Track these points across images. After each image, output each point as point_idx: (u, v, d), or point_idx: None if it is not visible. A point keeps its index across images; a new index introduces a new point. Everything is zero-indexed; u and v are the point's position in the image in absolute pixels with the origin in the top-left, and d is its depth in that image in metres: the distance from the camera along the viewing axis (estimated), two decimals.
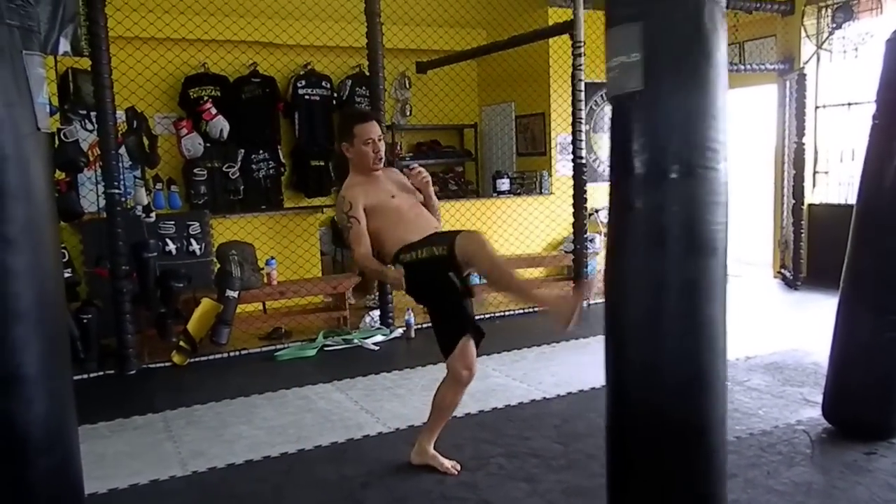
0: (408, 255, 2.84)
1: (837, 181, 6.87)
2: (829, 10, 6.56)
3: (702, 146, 1.94)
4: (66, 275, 4.67)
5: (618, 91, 1.95)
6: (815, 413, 3.59)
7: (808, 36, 6.81)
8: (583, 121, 6.23)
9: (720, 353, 2.12)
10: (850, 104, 6.63)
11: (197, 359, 5.05)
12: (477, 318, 6.12)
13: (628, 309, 2.07)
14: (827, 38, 6.65)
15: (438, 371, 4.67)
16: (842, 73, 6.70)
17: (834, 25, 6.50)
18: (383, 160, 3.06)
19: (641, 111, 1.91)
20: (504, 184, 7.79)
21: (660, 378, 2.02)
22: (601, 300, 2.17)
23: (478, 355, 4.81)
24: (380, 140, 3.02)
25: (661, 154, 1.92)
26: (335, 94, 7.60)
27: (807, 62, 6.83)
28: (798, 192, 6.90)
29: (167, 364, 4.96)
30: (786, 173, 7.17)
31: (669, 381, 2.03)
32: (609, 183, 2.10)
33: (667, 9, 1.87)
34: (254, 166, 7.22)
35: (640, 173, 1.94)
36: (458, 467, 3.13)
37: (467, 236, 2.73)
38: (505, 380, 4.45)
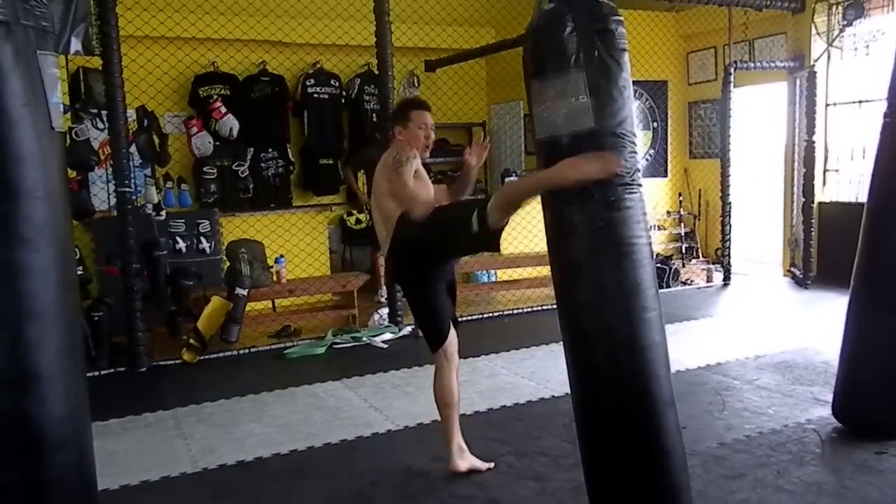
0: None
1: (848, 179, 6.82)
2: (840, 7, 6.52)
3: (634, 173, 2.28)
4: (78, 273, 4.70)
5: (571, 129, 2.22)
6: (826, 412, 3.57)
7: (818, 33, 6.78)
8: None
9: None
10: (860, 102, 6.60)
11: (207, 356, 5.08)
12: (485, 316, 6.18)
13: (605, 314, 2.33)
14: (837, 35, 6.61)
15: None
16: (852, 70, 6.66)
17: (845, 22, 6.47)
18: (430, 150, 3.17)
19: (594, 147, 2.21)
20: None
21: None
22: None
23: (486, 353, 4.89)
24: (432, 129, 3.15)
25: (612, 180, 2.23)
26: (344, 93, 7.62)
27: (817, 59, 6.80)
28: (808, 190, 6.86)
29: (177, 361, 4.99)
30: (796, 171, 7.14)
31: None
32: (560, 207, 2.33)
33: (595, 58, 2.17)
34: (263, 165, 7.25)
35: (603, 196, 2.22)
36: (492, 463, 3.16)
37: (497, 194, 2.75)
38: (514, 378, 4.46)
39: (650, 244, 2.36)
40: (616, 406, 2.32)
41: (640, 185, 2.29)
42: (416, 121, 3.11)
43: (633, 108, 2.29)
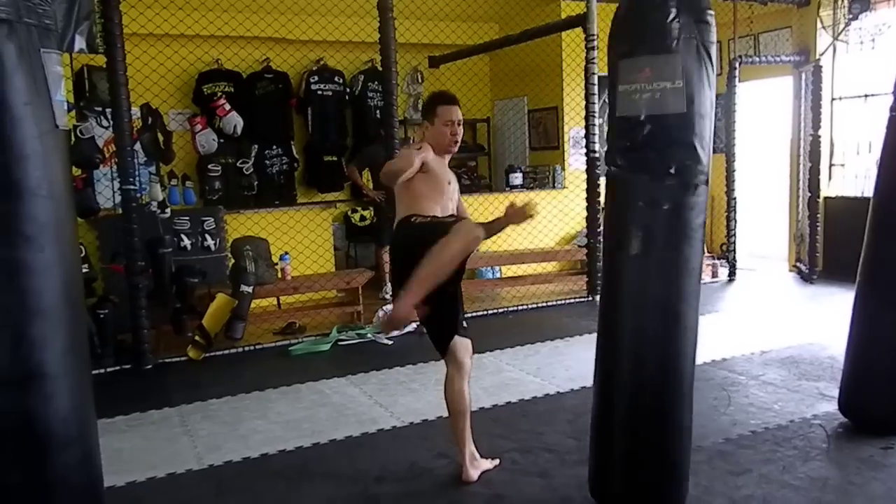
0: (418, 218, 2.89)
1: (854, 174, 6.81)
2: (846, 1, 6.48)
3: (709, 160, 2.38)
4: (83, 271, 4.71)
5: (661, 111, 2.28)
6: (831, 407, 3.57)
7: (823, 27, 6.74)
8: (596, 114, 6.20)
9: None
10: (866, 96, 6.56)
11: (212, 354, 5.08)
12: (490, 312, 6.17)
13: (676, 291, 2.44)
14: (843, 29, 6.58)
15: None
16: (858, 64, 6.62)
17: (850, 16, 6.43)
18: (458, 145, 3.13)
19: (681, 130, 2.28)
20: (517, 178, 7.77)
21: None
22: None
23: (491, 349, 4.89)
24: (459, 125, 3.09)
25: (695, 164, 2.32)
26: (348, 90, 7.62)
27: (822, 53, 6.76)
28: (814, 184, 6.84)
29: (182, 359, 5.00)
30: (801, 166, 7.11)
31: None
32: (632, 181, 2.37)
33: (692, 46, 2.27)
34: (267, 162, 7.26)
35: (682, 177, 2.30)
36: (497, 460, 3.15)
37: (457, 230, 2.71)
38: (518, 374, 4.45)
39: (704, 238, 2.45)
40: (646, 373, 2.40)
41: (708, 179, 2.35)
42: (442, 116, 3.05)
43: (713, 98, 2.35)
